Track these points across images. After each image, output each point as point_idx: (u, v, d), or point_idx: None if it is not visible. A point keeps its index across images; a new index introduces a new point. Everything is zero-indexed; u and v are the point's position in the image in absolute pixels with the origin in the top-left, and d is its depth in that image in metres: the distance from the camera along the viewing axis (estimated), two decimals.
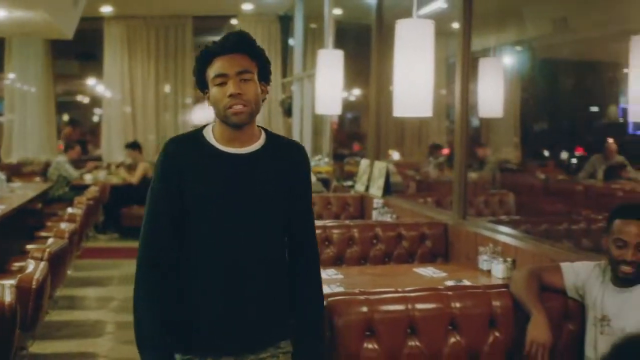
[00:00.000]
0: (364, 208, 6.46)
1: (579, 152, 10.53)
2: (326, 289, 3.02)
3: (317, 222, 5.10)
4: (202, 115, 17.26)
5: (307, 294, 2.41)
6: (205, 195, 2.25)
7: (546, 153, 11.10)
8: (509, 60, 9.75)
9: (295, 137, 10.26)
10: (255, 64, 2.26)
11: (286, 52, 11.93)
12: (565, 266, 3.01)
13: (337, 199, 6.50)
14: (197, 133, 2.34)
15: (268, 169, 2.31)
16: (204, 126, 2.37)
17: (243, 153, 2.29)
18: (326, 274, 4.09)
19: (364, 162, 6.96)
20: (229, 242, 2.25)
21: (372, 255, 4.80)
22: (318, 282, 2.45)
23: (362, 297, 2.86)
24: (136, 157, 10.13)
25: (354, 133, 14.89)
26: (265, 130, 2.38)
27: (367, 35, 7.43)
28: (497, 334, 2.91)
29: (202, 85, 2.31)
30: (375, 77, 6.80)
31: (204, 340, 2.27)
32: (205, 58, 2.27)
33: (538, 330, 2.73)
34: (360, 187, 6.84)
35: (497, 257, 4.10)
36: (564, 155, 10.64)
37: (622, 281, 2.77)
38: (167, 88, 11.90)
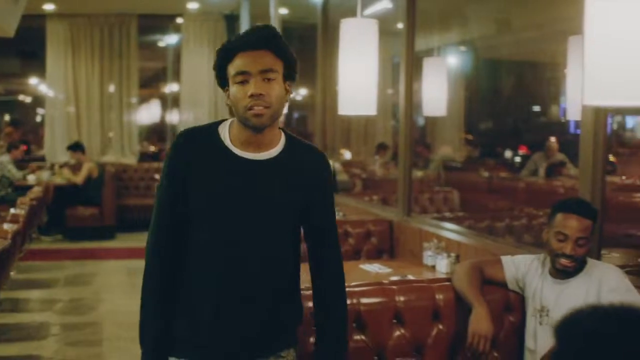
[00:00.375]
0: None
1: (522, 150, 10.76)
2: None
3: None
4: (147, 115, 17.11)
5: (330, 293, 2.33)
6: (213, 202, 2.14)
7: (491, 152, 11.30)
8: (453, 60, 9.90)
9: None
10: (281, 62, 2.11)
11: None
12: (505, 259, 3.10)
13: None
14: (212, 129, 2.19)
15: (284, 177, 2.16)
16: (221, 121, 2.23)
17: (259, 159, 2.14)
18: None
19: None
20: (234, 249, 2.14)
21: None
22: (341, 282, 2.35)
23: (307, 292, 2.88)
24: (79, 158, 9.98)
25: (300, 132, 14.95)
26: (285, 133, 2.22)
27: (313, 35, 7.47)
28: (440, 326, 2.97)
29: (222, 82, 2.15)
30: (321, 76, 6.85)
31: (201, 343, 2.18)
32: (226, 53, 2.11)
33: (479, 322, 2.80)
34: None
35: (441, 253, 4.18)
36: (508, 154, 10.85)
37: (561, 273, 2.86)
38: (111, 87, 11.73)
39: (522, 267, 3.05)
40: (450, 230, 4.46)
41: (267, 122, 2.08)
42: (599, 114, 3.27)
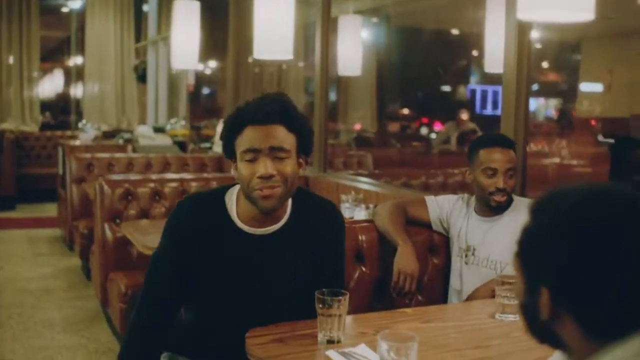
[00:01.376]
0: (223, 168, 6.27)
1: (437, 127, 10.78)
2: None
3: (175, 176, 4.91)
4: (51, 88, 16.41)
5: None
6: (218, 278, 2.03)
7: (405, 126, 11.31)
8: (367, 31, 9.80)
9: (151, 102, 9.92)
10: (294, 136, 1.96)
11: (140, 17, 11.45)
12: (429, 199, 2.97)
13: (194, 159, 6.28)
14: (218, 198, 2.06)
15: (294, 246, 2.05)
16: (228, 187, 2.09)
17: (267, 233, 2.03)
18: None
19: (222, 123, 6.75)
20: (241, 318, 2.00)
21: None
22: None
23: None
24: None
25: (209, 109, 14.60)
26: (294, 194, 2.05)
27: (224, 7, 7.22)
28: (363, 268, 2.82)
29: (229, 153, 2.00)
30: (234, 37, 6.61)
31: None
32: (234, 125, 1.96)
33: (405, 260, 2.66)
34: (218, 148, 6.64)
35: (359, 205, 4.04)
36: (424, 130, 10.85)
37: (490, 211, 2.75)
38: (10, 59, 10.99)
39: (446, 207, 2.94)
40: (367, 183, 4.33)
41: (277, 205, 1.96)
42: (522, 58, 3.18)
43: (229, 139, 1.98)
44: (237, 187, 2.06)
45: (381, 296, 2.83)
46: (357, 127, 10.54)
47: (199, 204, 2.07)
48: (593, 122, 8.81)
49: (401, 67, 11.60)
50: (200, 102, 14.94)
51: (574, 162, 7.23)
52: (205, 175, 4.95)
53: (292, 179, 1.96)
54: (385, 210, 2.89)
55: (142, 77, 9.93)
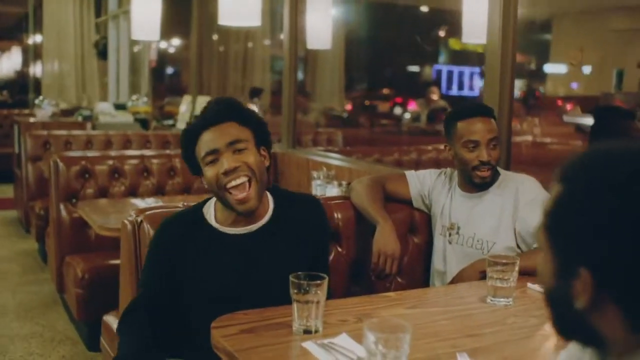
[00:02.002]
0: None
1: (411, 107, 10.52)
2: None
3: (135, 152, 4.64)
4: (9, 67, 15.91)
5: None
6: (208, 286, 1.97)
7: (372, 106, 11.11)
8: (336, 6, 9.54)
9: (112, 79, 9.59)
10: (248, 129, 1.96)
11: None
12: (409, 174, 2.76)
13: (156, 137, 5.99)
14: (197, 212, 2.04)
15: (279, 243, 2.02)
16: (204, 203, 2.07)
17: (249, 232, 2.00)
18: (145, 202, 3.71)
19: (186, 99, 6.49)
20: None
21: (196, 187, 4.41)
22: None
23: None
24: None
25: (174, 88, 14.28)
26: (273, 192, 2.07)
27: None
28: (339, 248, 2.60)
29: (195, 169, 2.00)
30: (198, 9, 6.33)
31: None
32: (190, 137, 1.96)
33: (385, 240, 2.44)
34: (182, 125, 6.37)
35: (332, 182, 3.82)
36: (397, 110, 10.60)
37: (475, 187, 2.54)
38: None
39: (427, 182, 2.72)
40: (339, 159, 4.11)
41: (255, 205, 1.94)
42: (507, 24, 2.97)
43: (189, 155, 1.99)
44: (213, 199, 2.04)
45: (359, 278, 2.62)
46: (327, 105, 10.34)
47: (178, 221, 2.04)
48: (559, 102, 8.74)
49: (370, 45, 11.39)
50: (164, 82, 14.59)
51: (547, 139, 7.13)
52: (167, 152, 4.68)
53: (260, 170, 1.94)
54: (362, 186, 2.67)
55: (102, 53, 9.59)
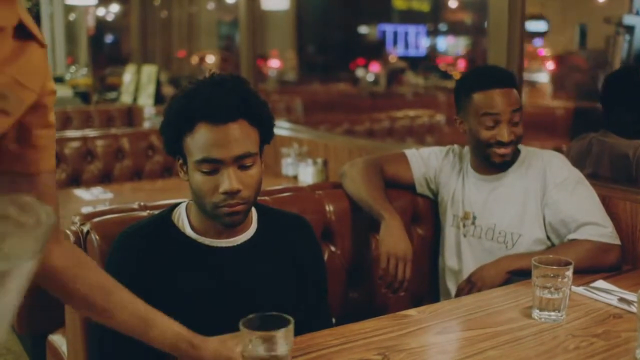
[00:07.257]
0: (133, 120, 5.48)
1: (374, 69, 10.05)
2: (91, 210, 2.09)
3: (76, 133, 4.10)
4: None
5: None
6: (196, 301, 1.60)
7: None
8: None
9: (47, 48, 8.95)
10: (257, 131, 1.58)
11: None
12: (410, 154, 2.31)
13: (99, 112, 5.45)
14: (165, 222, 1.66)
15: (265, 260, 1.68)
16: (172, 208, 1.70)
17: (231, 246, 1.65)
18: (91, 193, 3.20)
19: (130, 69, 5.94)
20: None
21: (148, 170, 3.91)
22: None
23: (144, 213, 1.96)
24: None
25: (115, 57, 13.60)
26: (257, 206, 1.72)
27: None
28: (332, 247, 2.16)
29: (173, 151, 1.62)
30: None
31: None
32: (184, 118, 1.55)
33: (395, 239, 1.98)
34: (127, 98, 5.86)
35: (305, 159, 3.37)
36: (360, 72, 10.14)
37: (495, 166, 2.11)
38: None
39: (433, 162, 2.29)
40: (312, 133, 3.65)
41: (243, 219, 1.61)
42: None
43: (174, 134, 1.58)
44: (183, 205, 1.70)
45: (357, 282, 2.18)
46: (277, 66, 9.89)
47: (140, 236, 1.65)
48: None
49: (321, 7, 10.98)
50: (104, 51, 13.85)
51: None
52: (113, 131, 4.16)
53: (260, 185, 1.62)
54: (356, 171, 2.21)
55: (35, 21, 8.91)
